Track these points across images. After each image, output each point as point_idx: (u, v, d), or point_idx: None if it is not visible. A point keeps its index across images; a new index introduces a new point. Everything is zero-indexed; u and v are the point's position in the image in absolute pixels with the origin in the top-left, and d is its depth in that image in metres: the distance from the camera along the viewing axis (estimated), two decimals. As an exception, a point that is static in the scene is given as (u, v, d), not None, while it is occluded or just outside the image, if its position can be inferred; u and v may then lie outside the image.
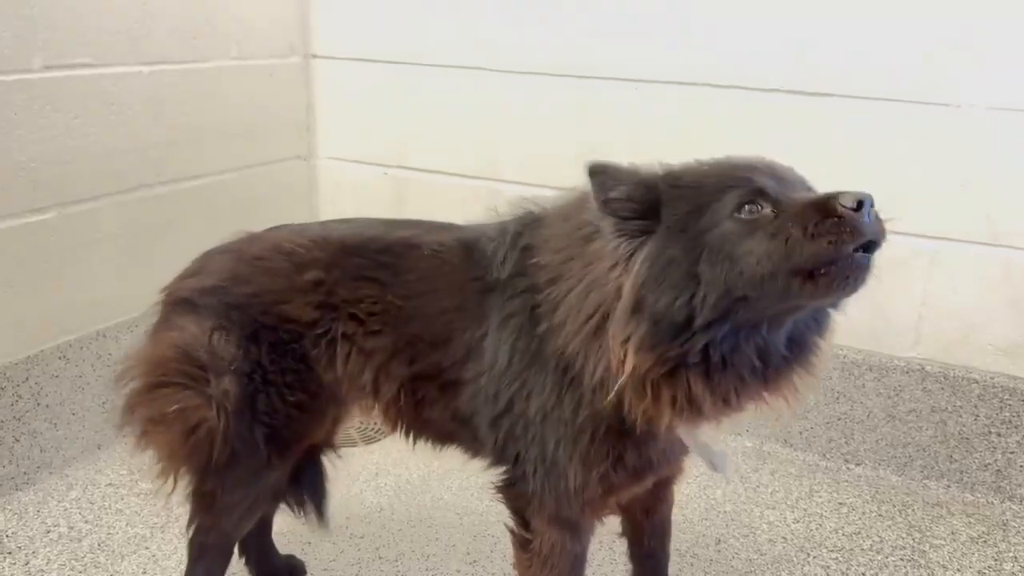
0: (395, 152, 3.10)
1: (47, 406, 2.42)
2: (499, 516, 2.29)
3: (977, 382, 2.44)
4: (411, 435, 1.70)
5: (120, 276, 2.58)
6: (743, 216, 1.24)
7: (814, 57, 2.44)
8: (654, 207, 1.30)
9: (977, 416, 2.45)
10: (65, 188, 2.39)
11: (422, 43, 2.95)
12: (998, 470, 2.45)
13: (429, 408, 1.60)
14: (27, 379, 2.36)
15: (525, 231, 1.53)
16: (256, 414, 1.61)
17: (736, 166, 1.31)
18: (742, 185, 1.25)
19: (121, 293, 2.59)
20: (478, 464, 1.70)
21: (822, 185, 1.33)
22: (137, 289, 2.61)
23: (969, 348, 2.45)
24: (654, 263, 1.27)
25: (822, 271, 1.19)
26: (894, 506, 2.43)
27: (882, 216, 1.22)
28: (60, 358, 2.44)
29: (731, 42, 2.52)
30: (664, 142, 2.65)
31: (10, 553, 2.12)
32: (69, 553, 2.13)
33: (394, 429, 1.70)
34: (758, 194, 1.24)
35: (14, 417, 2.34)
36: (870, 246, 1.20)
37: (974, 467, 2.48)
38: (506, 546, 2.18)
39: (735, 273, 1.23)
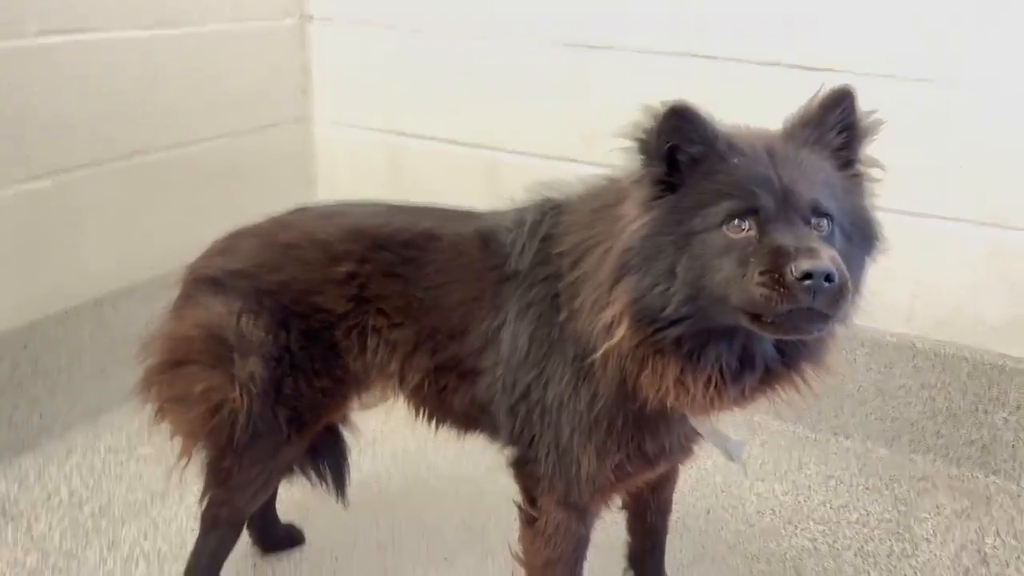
0: (392, 118, 3.08)
1: (46, 372, 2.44)
2: (495, 485, 2.34)
3: (967, 359, 2.47)
4: (434, 421, 1.73)
5: (117, 243, 2.58)
6: (728, 231, 1.25)
7: (814, 31, 2.42)
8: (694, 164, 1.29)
9: (965, 393, 2.49)
10: (61, 156, 2.38)
11: (421, 7, 2.91)
12: (984, 446, 2.50)
13: (451, 396, 1.63)
14: (25, 346, 2.38)
15: (544, 220, 1.54)
16: (281, 397, 1.63)
17: (754, 173, 1.27)
18: (740, 197, 1.25)
19: (119, 260, 2.59)
20: (490, 443, 1.73)
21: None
22: (135, 256, 2.64)
23: (960, 326, 2.48)
24: (647, 241, 1.28)
25: (760, 316, 1.22)
26: (881, 479, 2.48)
27: (845, 289, 1.19)
28: (58, 325, 2.46)
29: (731, 14, 2.50)
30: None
31: (13, 519, 2.16)
32: (70, 519, 2.17)
33: (417, 415, 1.74)
34: (750, 213, 1.24)
35: (13, 384, 2.36)
36: (813, 316, 1.19)
37: (960, 442, 2.52)
38: (501, 515, 2.23)
39: (700, 284, 1.25)
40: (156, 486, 2.30)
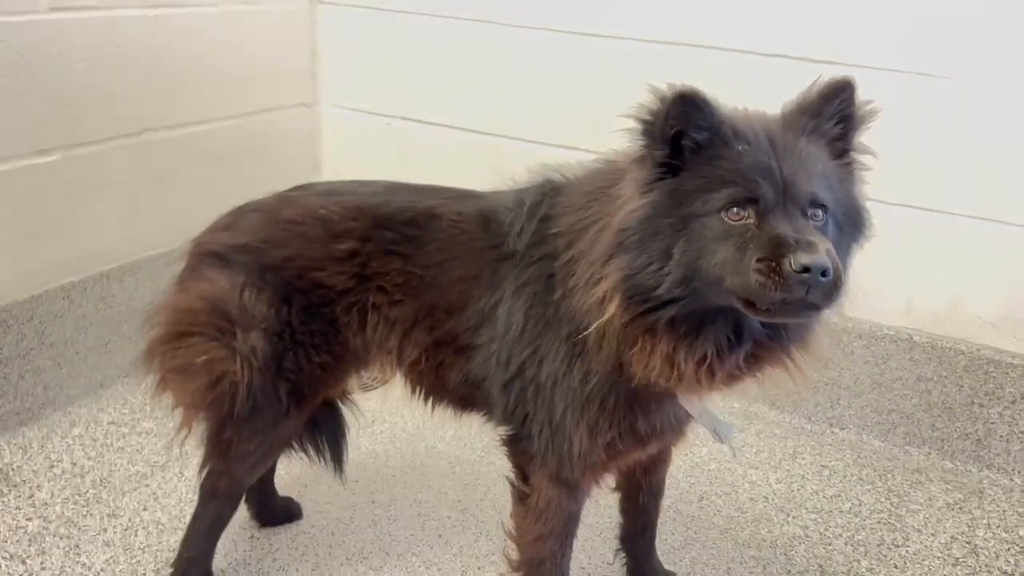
0: (400, 103, 3.10)
1: (51, 344, 2.48)
2: (490, 467, 2.38)
3: (963, 353, 2.49)
4: (431, 400, 1.75)
5: (124, 219, 2.61)
6: (727, 217, 1.27)
7: (819, 24, 2.43)
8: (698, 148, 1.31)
9: (961, 386, 2.50)
10: (70, 131, 2.41)
11: (428, -6, 2.93)
12: (978, 439, 2.51)
13: (447, 372, 1.65)
14: (32, 318, 2.41)
15: (544, 201, 1.55)
16: (281, 371, 1.66)
17: (757, 162, 1.29)
18: (742, 186, 1.27)
19: (125, 236, 2.62)
20: (484, 423, 1.76)
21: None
22: (140, 232, 2.67)
23: (957, 320, 2.49)
24: (645, 222, 1.30)
25: (754, 302, 1.25)
26: (875, 471, 2.49)
27: (839, 281, 1.22)
28: (64, 298, 2.49)
29: (737, 5, 2.51)
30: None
31: (15, 486, 2.19)
32: (72, 488, 2.20)
33: (414, 392, 1.75)
34: (750, 202, 1.27)
35: (19, 355, 2.40)
36: (806, 305, 1.22)
37: (955, 436, 2.54)
38: (495, 496, 2.27)
39: (696, 265, 1.28)
40: (156, 459, 2.34)
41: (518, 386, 1.55)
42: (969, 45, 2.29)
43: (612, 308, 1.33)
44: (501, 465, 2.37)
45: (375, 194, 1.70)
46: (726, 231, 1.26)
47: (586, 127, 2.80)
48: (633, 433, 1.52)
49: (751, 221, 1.26)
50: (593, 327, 1.37)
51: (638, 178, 1.34)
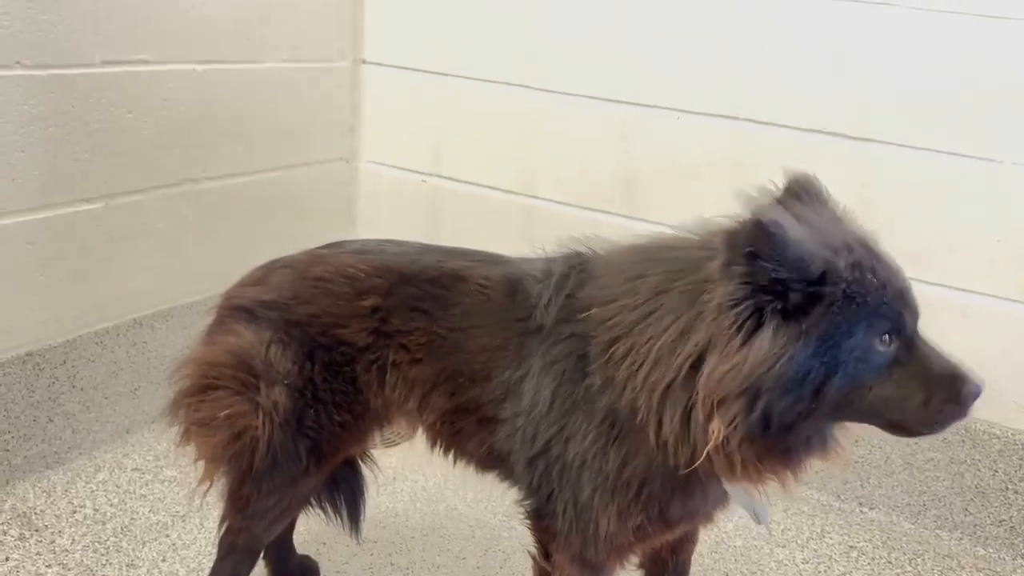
0: (435, 161, 3.14)
1: (81, 389, 2.50)
2: (511, 532, 2.35)
3: (998, 437, 2.43)
4: (451, 455, 1.74)
5: (160, 268, 2.65)
6: (880, 347, 1.28)
7: (857, 101, 2.44)
8: (809, 300, 1.24)
9: (995, 471, 2.45)
10: (114, 180, 2.46)
11: (468, 57, 2.99)
12: (1012, 527, 2.44)
13: (467, 440, 1.64)
14: (64, 362, 2.44)
15: (571, 274, 1.55)
16: (302, 427, 1.66)
17: (897, 292, 1.30)
18: (892, 319, 1.28)
19: (160, 284, 2.66)
20: (496, 480, 1.74)
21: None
22: (175, 281, 2.71)
23: (993, 403, 2.43)
24: (789, 363, 1.23)
25: (916, 429, 1.32)
26: (904, 554, 2.43)
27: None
28: (97, 344, 2.52)
29: (775, 80, 2.54)
30: (703, 173, 2.67)
31: (37, 531, 2.20)
32: (93, 535, 2.20)
33: (434, 447, 1.74)
34: (899, 334, 1.29)
35: (50, 398, 2.42)
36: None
37: (988, 522, 2.47)
38: (516, 563, 2.24)
39: (847, 400, 1.28)
40: (178, 508, 2.33)
41: (543, 464, 1.53)
42: (1012, 124, 2.29)
43: (732, 444, 1.28)
44: (522, 531, 2.33)
45: (404, 254, 1.71)
46: (879, 366, 1.28)
47: (618, 192, 2.84)
48: (664, 518, 1.49)
49: (893, 348, 1.29)
50: (702, 453, 1.31)
51: (775, 333, 1.24)
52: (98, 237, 2.46)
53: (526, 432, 1.54)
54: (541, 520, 1.59)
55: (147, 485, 2.43)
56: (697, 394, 1.29)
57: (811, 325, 1.24)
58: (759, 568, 2.32)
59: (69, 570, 2.07)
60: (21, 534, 2.18)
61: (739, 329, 1.24)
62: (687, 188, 2.71)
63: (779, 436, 1.28)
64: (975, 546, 2.48)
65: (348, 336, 1.63)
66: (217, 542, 1.83)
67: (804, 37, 2.48)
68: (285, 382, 1.63)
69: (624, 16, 2.71)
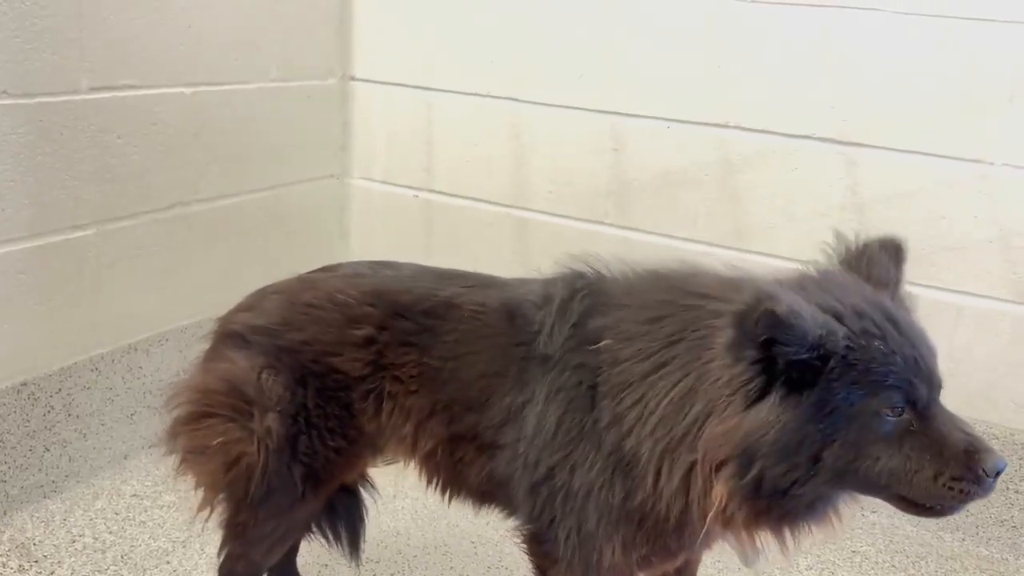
0: (426, 176, 3.14)
1: (78, 416, 2.49)
2: (513, 548, 2.33)
3: (997, 437, 2.43)
4: (447, 492, 1.72)
5: (154, 291, 2.64)
6: (886, 416, 1.24)
7: (847, 107, 2.45)
8: (811, 371, 1.23)
9: (995, 472, 2.44)
10: (105, 206, 2.45)
11: (457, 71, 2.99)
12: (1014, 527, 2.44)
13: (467, 468, 1.63)
14: (60, 390, 2.43)
15: (574, 298, 1.53)
16: (296, 454, 1.65)
17: (910, 361, 1.26)
18: (902, 388, 1.24)
19: (154, 308, 2.65)
20: (495, 512, 1.73)
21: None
22: (169, 305, 2.70)
23: (991, 403, 2.45)
24: (784, 432, 1.23)
25: (928, 506, 1.27)
26: (907, 557, 2.43)
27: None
28: (92, 370, 2.51)
29: (764, 87, 2.54)
30: (693, 180, 2.68)
31: (36, 561, 2.18)
32: (93, 564, 2.19)
33: (430, 483, 1.72)
34: (910, 403, 1.25)
35: (45, 427, 2.41)
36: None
37: (990, 522, 2.47)
38: (518, 582, 2.23)
39: (851, 469, 1.25)
40: (178, 534, 2.32)
41: (546, 490, 1.52)
42: (1006, 127, 2.30)
43: (729, 506, 1.28)
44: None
45: (397, 279, 1.70)
46: (886, 436, 1.24)
47: (610, 202, 2.84)
48: (667, 549, 1.50)
49: (906, 418, 1.25)
50: (706, 516, 1.31)
51: (778, 401, 1.23)
52: (90, 263, 2.45)
53: (529, 458, 1.52)
54: (541, 545, 1.58)
55: (146, 511, 2.42)
56: (697, 456, 1.29)
57: (810, 393, 1.23)
58: (763, 576, 2.32)
59: (69, 601, 2.06)
60: (20, 565, 2.16)
61: (743, 396, 1.25)
62: (678, 197, 2.71)
63: (775, 500, 1.26)
64: (977, 547, 2.48)
65: (342, 365, 1.62)
66: (217, 569, 1.82)
67: (792, 43, 2.49)
68: (278, 408, 1.63)
69: (612, 27, 2.71)
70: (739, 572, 2.33)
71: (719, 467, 1.26)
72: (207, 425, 1.67)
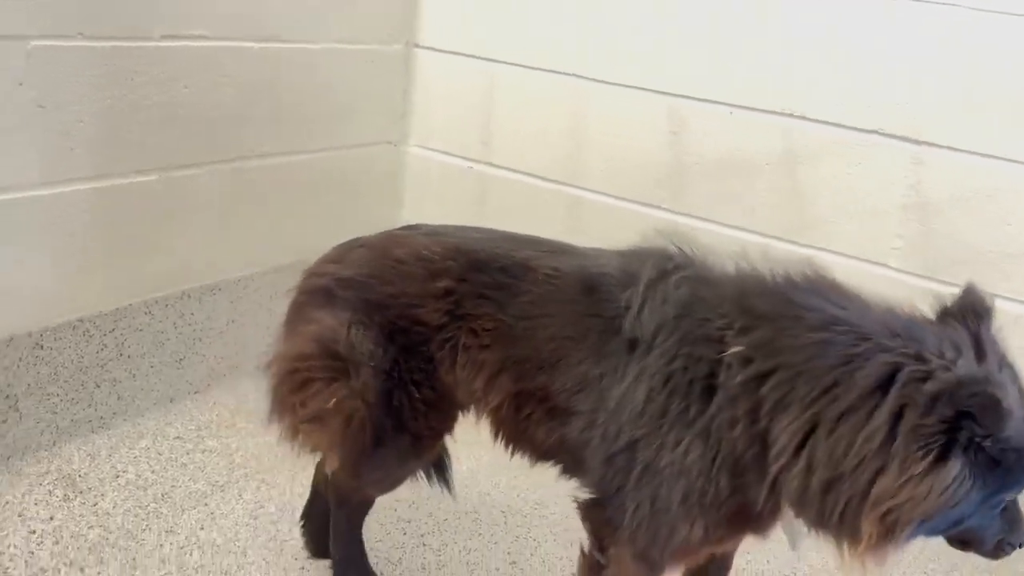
0: (483, 147, 3.15)
1: (129, 357, 2.55)
2: (542, 521, 2.36)
3: None
4: (511, 447, 1.74)
5: (210, 241, 2.69)
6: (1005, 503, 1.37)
7: (917, 104, 2.40)
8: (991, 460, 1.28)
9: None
10: (169, 153, 2.50)
11: (520, 44, 2.98)
12: None
13: (534, 426, 1.64)
14: (113, 330, 2.49)
15: (667, 282, 1.51)
16: (391, 409, 1.69)
17: None
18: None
19: (208, 257, 2.70)
20: (525, 464, 1.75)
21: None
22: (223, 255, 2.75)
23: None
24: (967, 504, 1.28)
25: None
26: (940, 566, 2.39)
27: None
28: (145, 313, 2.57)
29: (831, 79, 2.50)
30: (753, 169, 2.64)
31: (81, 492, 2.25)
32: (134, 500, 2.25)
33: (495, 438, 1.74)
34: None
35: (98, 364, 2.48)
36: None
37: (1031, 538, 2.42)
38: (545, 552, 2.24)
39: (982, 536, 1.41)
40: (218, 478, 2.38)
41: (623, 460, 1.50)
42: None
43: (875, 542, 1.32)
44: (553, 520, 2.36)
45: (476, 239, 1.72)
46: (999, 516, 1.38)
47: (667, 186, 2.82)
48: (737, 534, 1.55)
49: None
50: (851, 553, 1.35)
51: (956, 477, 1.26)
52: (151, 209, 2.51)
53: (609, 429, 1.52)
54: (602, 511, 1.57)
55: (188, 454, 2.48)
56: (867, 498, 1.29)
57: (992, 477, 1.27)
58: (792, 570, 2.30)
59: (111, 532, 2.12)
60: (65, 495, 2.23)
61: (926, 455, 1.25)
62: (736, 185, 2.68)
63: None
64: (1016, 563, 2.43)
65: (424, 316, 1.65)
66: (332, 493, 1.94)
67: (864, 37, 2.44)
68: (371, 363, 1.66)
69: (680, 8, 2.68)
70: (746, 563, 2.32)
71: (893, 526, 1.29)
72: (314, 391, 1.70)
